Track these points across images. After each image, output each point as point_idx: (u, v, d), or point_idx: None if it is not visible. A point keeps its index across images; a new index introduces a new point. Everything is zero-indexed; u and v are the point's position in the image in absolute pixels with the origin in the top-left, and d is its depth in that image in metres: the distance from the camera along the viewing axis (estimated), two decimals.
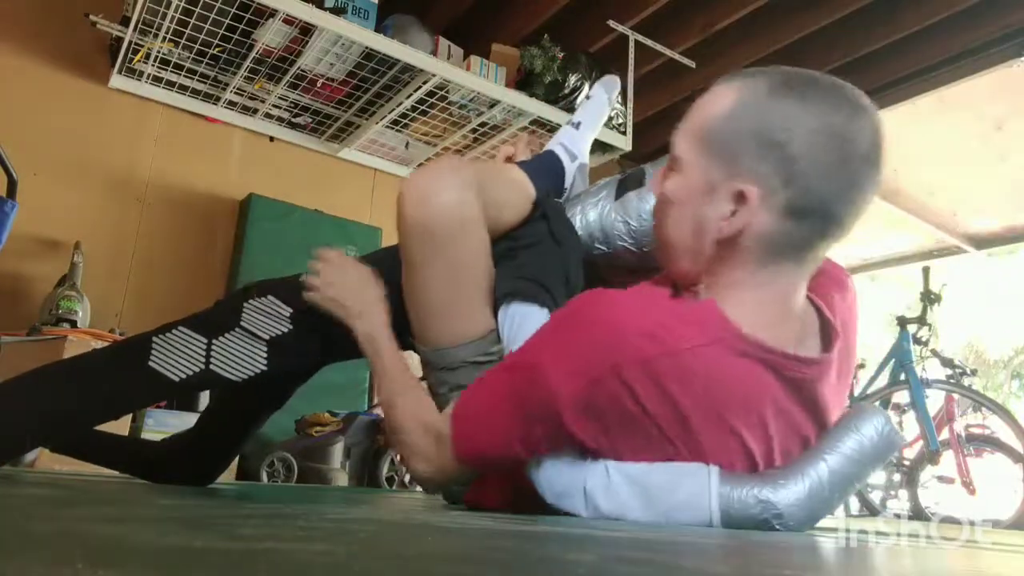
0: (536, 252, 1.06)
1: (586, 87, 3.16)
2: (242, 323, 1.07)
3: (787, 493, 0.82)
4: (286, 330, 1.07)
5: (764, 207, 0.80)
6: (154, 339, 1.06)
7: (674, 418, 0.79)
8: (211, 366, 1.05)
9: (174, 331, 1.07)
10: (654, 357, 0.76)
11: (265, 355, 1.06)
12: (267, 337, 1.07)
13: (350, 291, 1.06)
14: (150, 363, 1.04)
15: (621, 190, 1.13)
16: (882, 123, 0.82)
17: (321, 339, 1.10)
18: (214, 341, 1.06)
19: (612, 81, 1.51)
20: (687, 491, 0.81)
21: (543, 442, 0.82)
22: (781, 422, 0.84)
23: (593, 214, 1.12)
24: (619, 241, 1.10)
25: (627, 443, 0.81)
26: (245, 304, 1.08)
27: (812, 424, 0.87)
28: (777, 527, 0.82)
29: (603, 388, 0.77)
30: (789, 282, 0.85)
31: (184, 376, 1.04)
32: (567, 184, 1.28)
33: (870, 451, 0.87)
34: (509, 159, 1.30)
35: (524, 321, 0.97)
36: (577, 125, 1.39)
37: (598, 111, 1.45)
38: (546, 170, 1.24)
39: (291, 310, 1.08)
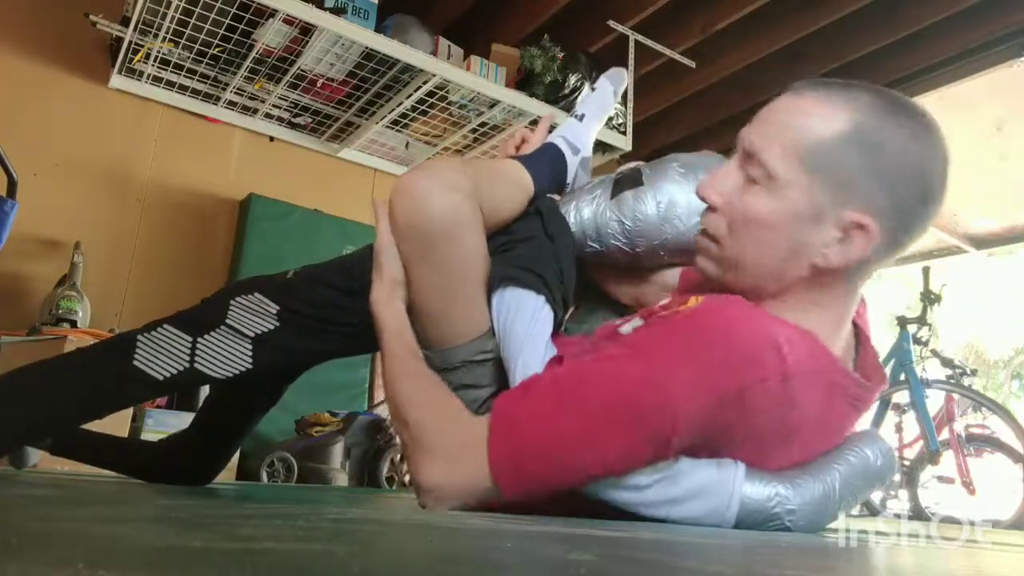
0: (530, 246, 1.04)
1: (586, 87, 3.16)
2: (227, 321, 1.06)
3: (803, 492, 0.85)
4: (272, 327, 1.06)
5: (872, 239, 0.80)
6: (139, 337, 1.06)
7: (752, 436, 0.80)
8: (195, 364, 1.04)
9: (159, 329, 1.06)
10: (773, 378, 0.75)
11: (250, 353, 1.05)
12: (252, 335, 1.06)
13: (384, 253, 0.99)
14: (134, 362, 1.03)
15: (617, 189, 1.12)
16: None
17: (308, 336, 1.08)
18: (199, 339, 1.05)
19: (619, 74, 1.47)
20: (710, 476, 0.82)
21: (632, 458, 0.77)
22: (830, 443, 0.89)
23: (588, 211, 1.12)
24: (612, 240, 1.10)
25: (693, 453, 0.82)
26: (231, 302, 1.08)
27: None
28: (787, 524, 0.84)
29: (726, 406, 0.75)
30: (848, 304, 0.86)
31: (168, 375, 1.04)
32: (569, 178, 1.25)
33: (873, 470, 0.90)
34: (524, 142, 1.28)
35: (520, 307, 0.96)
36: (580, 117, 1.35)
37: (603, 103, 1.41)
38: (546, 164, 1.21)
39: (278, 307, 1.07)
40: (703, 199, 0.88)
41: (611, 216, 1.10)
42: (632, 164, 1.18)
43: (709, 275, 0.89)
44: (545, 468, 0.77)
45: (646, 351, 0.79)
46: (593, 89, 1.44)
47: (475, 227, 0.96)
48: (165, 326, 1.07)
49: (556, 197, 1.20)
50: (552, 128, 1.34)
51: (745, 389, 0.75)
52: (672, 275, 1.14)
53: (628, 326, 0.92)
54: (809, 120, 0.80)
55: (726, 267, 0.87)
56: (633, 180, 1.11)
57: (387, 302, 0.98)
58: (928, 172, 0.79)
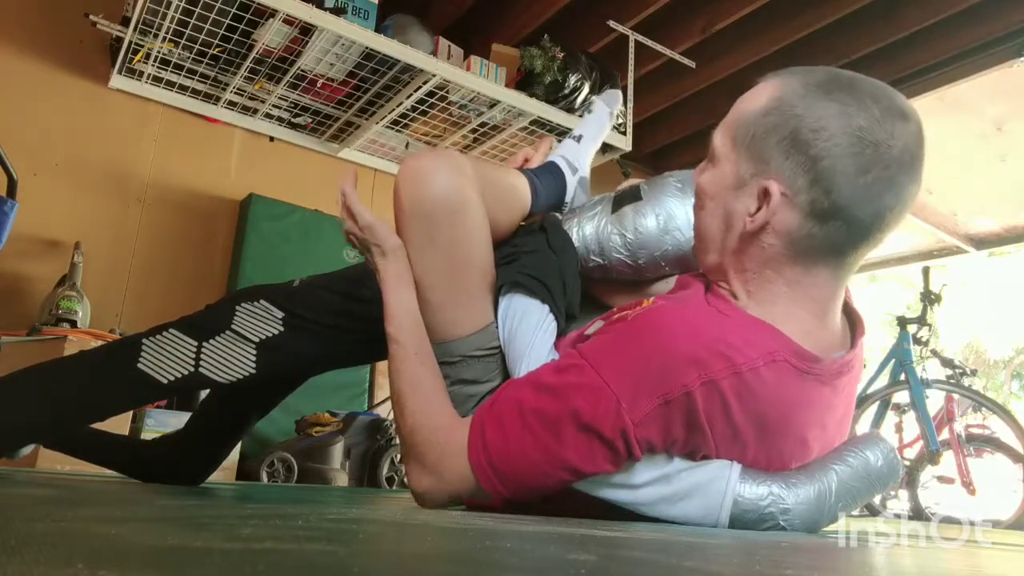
0: (535, 258, 1.06)
1: (586, 87, 3.16)
2: (233, 326, 1.07)
3: (798, 492, 0.86)
4: (276, 332, 1.07)
5: (787, 206, 0.81)
6: (144, 341, 1.06)
7: (728, 435, 0.81)
8: (200, 368, 1.05)
9: (164, 333, 1.07)
10: (723, 377, 0.77)
11: (254, 358, 1.06)
12: (257, 340, 1.07)
13: (385, 226, 0.99)
14: (139, 365, 1.04)
15: (617, 205, 1.15)
16: (922, 132, 0.81)
17: (312, 342, 1.09)
18: (204, 344, 1.06)
19: (614, 95, 1.51)
20: (703, 475, 0.83)
21: (598, 466, 0.80)
22: (819, 431, 0.89)
23: (589, 227, 1.14)
24: (615, 253, 1.12)
25: (674, 452, 0.83)
26: (237, 308, 1.09)
27: (844, 421, 0.93)
28: (782, 523, 0.85)
29: (674, 408, 0.77)
30: (822, 290, 0.86)
31: (173, 378, 1.04)
32: (568, 197, 1.28)
33: (875, 472, 0.91)
34: (526, 161, 1.30)
35: (526, 314, 0.97)
36: (578, 138, 1.38)
37: (599, 125, 1.45)
38: (548, 180, 1.24)
39: (283, 314, 1.08)
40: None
41: (612, 230, 1.12)
42: (630, 182, 1.21)
43: (701, 261, 0.95)
44: (520, 477, 0.81)
45: (594, 359, 0.81)
46: (590, 111, 1.47)
47: (479, 211, 0.97)
48: (171, 330, 1.07)
49: (558, 215, 1.22)
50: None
51: (692, 391, 0.76)
52: (671, 285, 1.16)
53: (592, 328, 0.94)
54: (744, 100, 0.87)
55: (695, 243, 0.95)
56: (633, 196, 1.14)
57: (396, 284, 0.96)
58: (857, 144, 0.78)
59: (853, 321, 0.93)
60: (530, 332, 0.95)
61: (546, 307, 0.99)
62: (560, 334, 1.02)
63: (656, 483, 0.83)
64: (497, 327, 0.99)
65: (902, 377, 3.27)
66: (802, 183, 0.80)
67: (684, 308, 0.85)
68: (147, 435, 2.41)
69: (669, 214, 1.10)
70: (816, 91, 0.81)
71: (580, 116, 3.11)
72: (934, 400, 3.25)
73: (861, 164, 0.78)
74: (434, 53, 2.88)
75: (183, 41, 2.74)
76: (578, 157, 1.33)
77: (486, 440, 0.83)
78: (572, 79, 3.11)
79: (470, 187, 0.96)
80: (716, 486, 0.83)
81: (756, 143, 0.83)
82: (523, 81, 3.10)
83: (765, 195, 0.82)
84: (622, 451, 0.78)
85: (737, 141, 0.85)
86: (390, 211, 1.00)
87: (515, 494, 0.83)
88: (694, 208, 0.95)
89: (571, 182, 1.29)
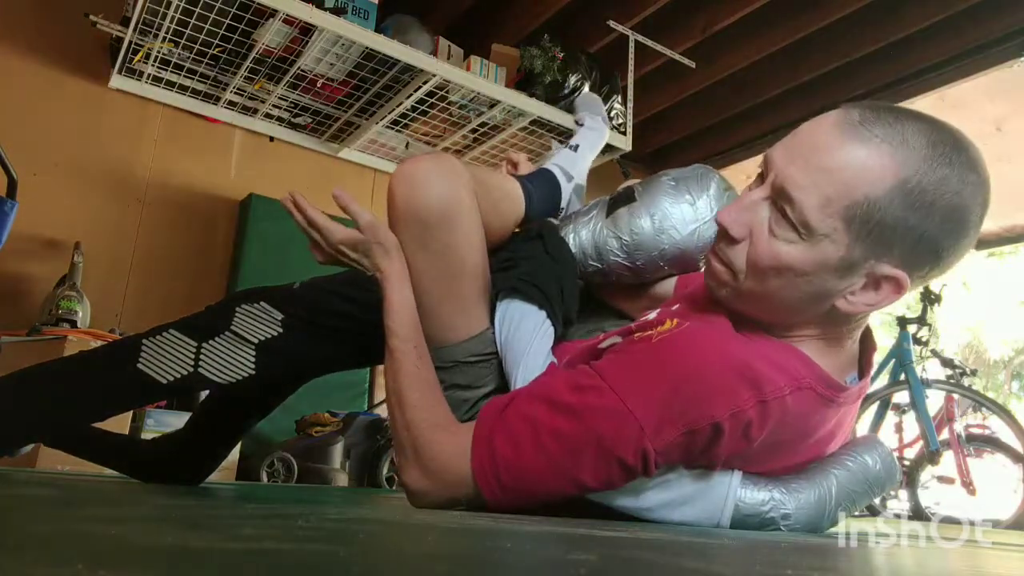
0: (533, 264, 1.06)
1: (586, 87, 3.16)
2: (232, 327, 1.07)
3: (798, 496, 0.87)
4: (276, 333, 1.08)
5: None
6: (144, 341, 1.07)
7: (743, 455, 0.82)
8: (199, 369, 1.05)
9: (164, 334, 1.07)
10: (750, 407, 0.76)
11: (253, 359, 1.06)
12: (256, 341, 1.07)
13: (381, 227, 0.97)
14: (139, 365, 1.05)
15: (612, 208, 1.15)
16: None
17: (311, 343, 1.10)
18: (204, 344, 1.06)
19: (593, 101, 1.51)
20: (707, 480, 0.84)
21: (612, 484, 0.80)
22: (830, 445, 0.91)
23: (585, 232, 1.15)
24: (612, 256, 1.13)
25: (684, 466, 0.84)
26: (236, 309, 1.09)
27: (846, 434, 0.94)
28: (783, 528, 0.86)
29: (698, 436, 0.77)
30: (857, 325, 0.86)
31: (172, 379, 1.05)
32: (563, 204, 1.29)
33: (872, 475, 0.92)
34: (513, 165, 1.31)
35: (523, 320, 0.97)
36: (575, 148, 1.38)
37: (598, 135, 1.45)
38: (542, 185, 1.24)
39: (282, 315, 1.09)
40: (724, 228, 0.82)
41: (608, 234, 1.13)
42: (627, 183, 1.22)
43: (720, 299, 0.86)
44: (526, 489, 0.80)
45: (615, 381, 0.79)
46: (581, 124, 1.46)
47: (473, 216, 0.96)
48: (170, 331, 1.08)
49: (554, 221, 1.23)
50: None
51: (719, 422, 0.76)
52: (672, 284, 1.17)
53: (607, 343, 0.92)
54: (855, 173, 0.74)
55: (742, 299, 0.84)
56: (627, 198, 1.15)
57: (401, 281, 0.95)
58: (971, 217, 0.76)
59: (865, 338, 0.92)
60: (527, 337, 0.95)
61: (543, 312, 0.99)
62: (558, 340, 1.02)
63: (658, 488, 0.83)
64: (493, 333, 0.98)
65: (902, 377, 3.27)
66: (924, 271, 0.78)
67: (711, 332, 0.82)
68: (147, 435, 2.41)
69: (664, 214, 1.10)
70: (939, 163, 0.74)
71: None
72: (934, 400, 3.26)
73: (966, 239, 0.78)
74: (434, 53, 2.88)
75: (183, 41, 2.74)
76: (574, 165, 1.34)
77: (494, 451, 0.81)
78: (572, 79, 3.11)
79: (465, 192, 0.95)
80: (718, 491, 0.84)
81: (882, 231, 0.74)
82: (523, 81, 3.10)
83: (888, 282, 0.77)
84: (639, 472, 0.78)
85: (853, 223, 0.74)
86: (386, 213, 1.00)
87: (515, 503, 0.82)
88: (748, 269, 0.81)
89: (566, 189, 1.29)
